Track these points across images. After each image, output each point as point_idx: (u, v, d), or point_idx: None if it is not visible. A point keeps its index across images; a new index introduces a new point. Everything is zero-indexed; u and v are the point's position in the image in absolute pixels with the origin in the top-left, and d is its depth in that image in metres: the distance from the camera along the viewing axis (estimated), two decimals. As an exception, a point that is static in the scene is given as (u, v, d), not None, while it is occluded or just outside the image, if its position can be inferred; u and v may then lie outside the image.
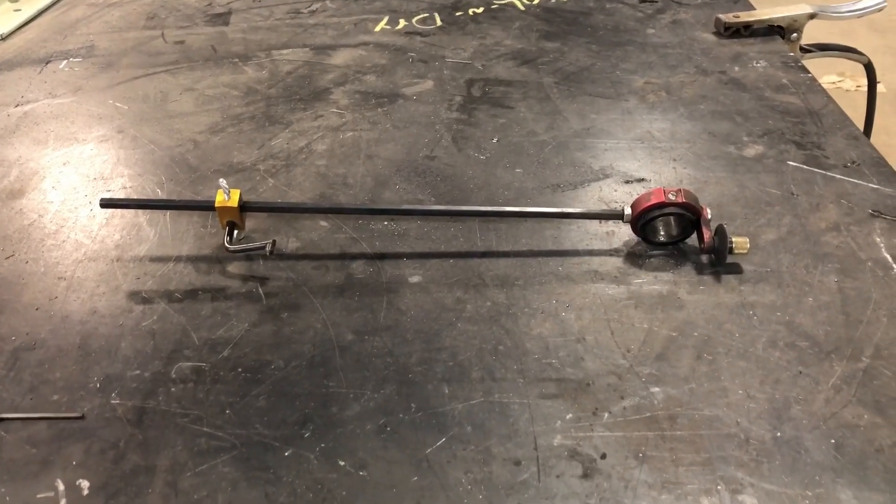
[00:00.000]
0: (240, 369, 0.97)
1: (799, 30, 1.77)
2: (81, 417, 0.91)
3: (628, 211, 1.12)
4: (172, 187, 1.31)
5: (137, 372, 0.97)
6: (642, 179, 1.30)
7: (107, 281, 1.11)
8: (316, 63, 1.69)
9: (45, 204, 1.29)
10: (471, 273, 1.11)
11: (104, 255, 1.16)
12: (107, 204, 1.11)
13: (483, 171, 1.33)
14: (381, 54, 1.73)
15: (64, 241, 1.20)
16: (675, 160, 1.34)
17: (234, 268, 1.13)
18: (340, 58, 1.71)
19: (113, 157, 1.40)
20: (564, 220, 1.18)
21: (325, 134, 1.44)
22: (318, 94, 1.58)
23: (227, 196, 1.10)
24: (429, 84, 1.61)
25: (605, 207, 1.23)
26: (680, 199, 1.09)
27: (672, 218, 1.13)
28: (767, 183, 1.27)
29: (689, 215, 1.10)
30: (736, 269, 1.10)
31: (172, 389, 0.94)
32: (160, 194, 1.29)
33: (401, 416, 0.90)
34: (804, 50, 1.82)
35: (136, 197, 1.27)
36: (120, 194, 1.29)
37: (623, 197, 1.25)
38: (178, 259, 1.14)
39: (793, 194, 1.24)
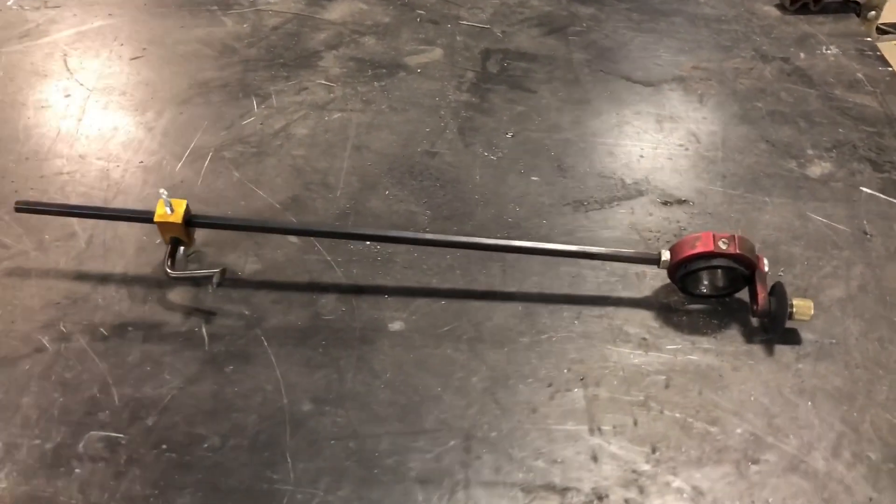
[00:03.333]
0: (164, 446, 0.77)
1: (879, 6, 1.50)
2: (-44, 509, 0.72)
3: (666, 256, 0.90)
4: (119, 176, 1.09)
5: (37, 442, 0.77)
6: (684, 201, 1.07)
7: (18, 304, 0.91)
8: (307, 17, 1.44)
9: (-38, 189, 1.08)
10: (466, 321, 0.90)
11: (19, 266, 0.95)
12: (24, 208, 0.90)
13: (493, 176, 1.10)
14: (385, 10, 1.47)
15: (-23, 242, 0.99)
16: (724, 177, 1.11)
17: (176, 295, 0.92)
18: (336, 12, 1.46)
19: (52, 130, 1.17)
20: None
21: (308, 113, 1.21)
22: (305, 58, 1.33)
23: (169, 209, 0.88)
24: (437, 53, 1.36)
25: (636, 237, 1.01)
26: (732, 250, 0.87)
27: (720, 270, 0.91)
28: (835, 215, 1.04)
29: (741, 269, 0.88)
30: (793, 338, 0.89)
31: (77, 471, 0.75)
32: (103, 187, 1.07)
33: (359, 532, 0.71)
34: (881, 31, 1.56)
35: (74, 185, 1.06)
36: (54, 183, 1.07)
37: (660, 224, 1.03)
38: (110, 279, 0.94)
39: (866, 234, 1.02)
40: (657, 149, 1.16)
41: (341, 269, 0.96)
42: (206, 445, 0.77)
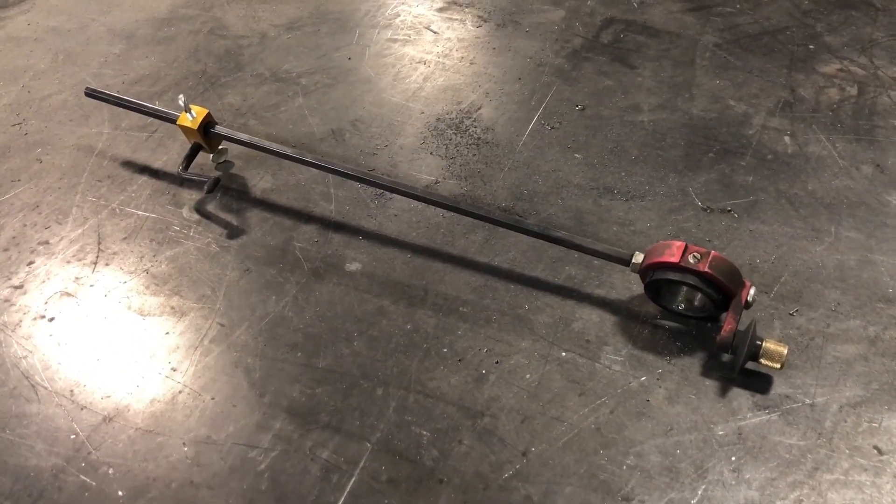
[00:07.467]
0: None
1: None
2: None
3: (639, 258, 0.81)
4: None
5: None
6: (728, 210, 0.94)
7: (68, 172, 1.05)
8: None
9: None
10: (419, 280, 0.88)
11: (90, 144, 1.10)
12: (91, 94, 1.04)
13: (535, 147, 1.05)
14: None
15: None
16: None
17: (187, 195, 1.01)
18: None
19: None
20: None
21: (398, 52, 1.23)
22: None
23: (190, 115, 0.97)
24: (558, 15, 1.30)
25: (644, 241, 0.91)
26: (702, 268, 0.75)
27: (685, 287, 0.80)
28: (912, 266, 0.86)
29: (708, 291, 0.77)
30: (759, 386, 0.76)
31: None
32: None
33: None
34: None
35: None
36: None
37: (699, 235, 0.91)
38: (147, 171, 1.05)
39: (939, 295, 0.82)
40: (736, 156, 1.02)
41: (336, 204, 0.98)
42: (134, 326, 0.85)
